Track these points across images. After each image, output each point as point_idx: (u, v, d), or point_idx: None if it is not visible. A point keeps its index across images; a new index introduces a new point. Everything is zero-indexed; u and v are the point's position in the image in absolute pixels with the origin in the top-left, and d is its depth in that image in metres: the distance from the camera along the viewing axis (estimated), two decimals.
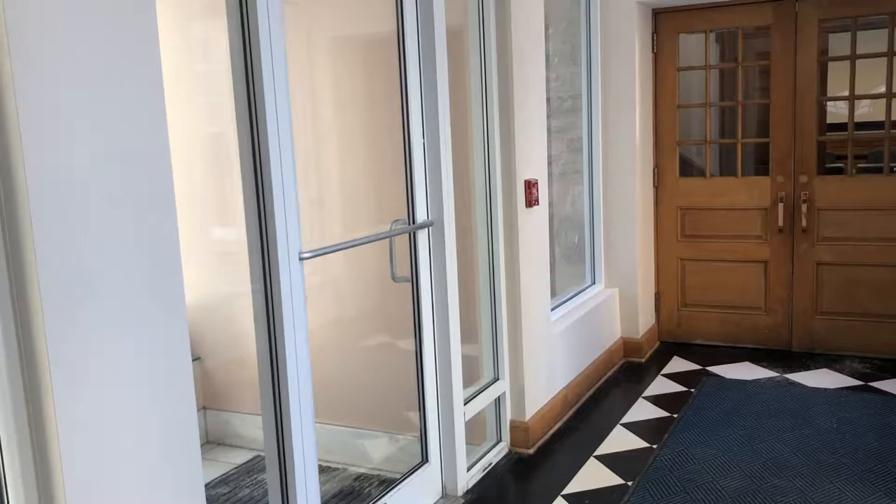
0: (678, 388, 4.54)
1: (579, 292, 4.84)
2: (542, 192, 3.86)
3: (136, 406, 1.75)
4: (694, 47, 5.56)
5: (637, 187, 4.98)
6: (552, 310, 4.25)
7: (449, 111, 3.15)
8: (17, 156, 1.50)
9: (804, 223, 4.92)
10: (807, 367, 4.78)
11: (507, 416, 3.76)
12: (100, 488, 1.67)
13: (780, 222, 4.98)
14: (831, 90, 5.83)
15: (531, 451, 3.76)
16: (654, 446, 3.75)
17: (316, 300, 3.63)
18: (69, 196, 1.59)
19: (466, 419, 3.35)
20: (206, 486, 3.46)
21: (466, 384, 3.44)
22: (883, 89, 4.82)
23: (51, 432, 1.58)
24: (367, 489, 3.40)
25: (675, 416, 4.11)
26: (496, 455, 3.67)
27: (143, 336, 1.76)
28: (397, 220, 3.09)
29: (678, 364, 4.97)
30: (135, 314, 1.73)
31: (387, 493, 2.99)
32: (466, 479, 3.37)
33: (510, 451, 3.76)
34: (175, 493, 1.85)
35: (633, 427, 4.00)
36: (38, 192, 1.53)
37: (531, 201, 3.72)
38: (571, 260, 4.88)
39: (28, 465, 1.60)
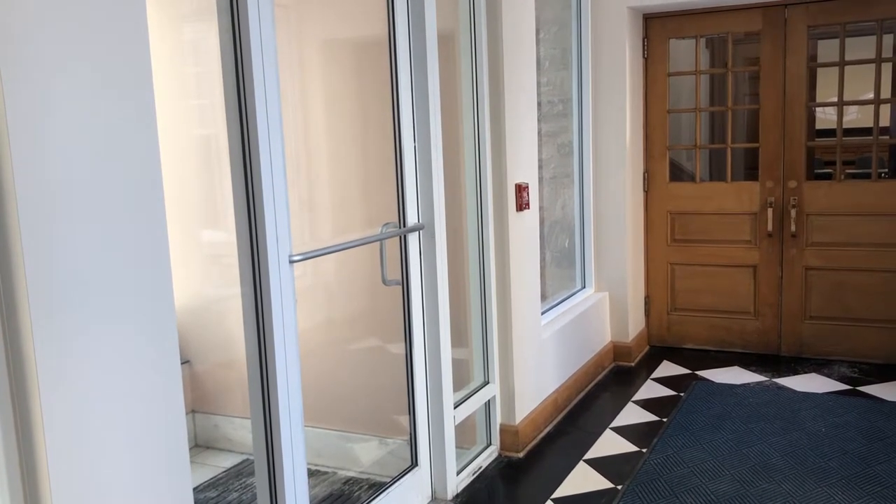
0: (667, 392, 4.55)
1: (569, 296, 4.85)
2: (533, 196, 3.87)
3: (124, 409, 1.73)
4: (684, 52, 5.59)
5: (627, 192, 4.99)
6: (542, 313, 4.26)
7: (440, 114, 3.15)
8: (6, 155, 1.49)
9: (793, 228, 4.95)
10: (795, 372, 4.80)
11: (497, 419, 3.76)
12: (87, 492, 1.66)
13: (769, 227, 5.00)
14: (820, 96, 5.87)
15: (521, 454, 3.77)
16: (644, 450, 3.75)
17: (306, 303, 3.62)
18: (57, 197, 1.58)
19: (456, 423, 3.34)
20: (195, 489, 3.45)
21: (456, 388, 3.44)
22: (871, 95, 4.86)
23: (37, 435, 1.57)
24: (356, 493, 3.39)
25: (665, 420, 4.12)
26: (486, 459, 3.67)
27: (132, 338, 1.75)
28: (388, 223, 3.09)
29: (667, 368, 4.98)
30: (123, 317, 1.72)
31: (376, 496, 2.98)
32: (456, 483, 3.36)
33: (500, 455, 3.76)
34: (163, 496, 1.84)
35: (623, 431, 4.01)
36: (25, 192, 1.52)
37: (522, 205, 3.73)
38: (562, 264, 4.89)
39: (14, 467, 1.59)
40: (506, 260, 3.65)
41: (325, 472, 3.58)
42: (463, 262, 3.59)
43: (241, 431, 3.86)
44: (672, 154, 5.40)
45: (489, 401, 3.69)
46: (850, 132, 6.47)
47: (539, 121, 4.24)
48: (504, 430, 3.77)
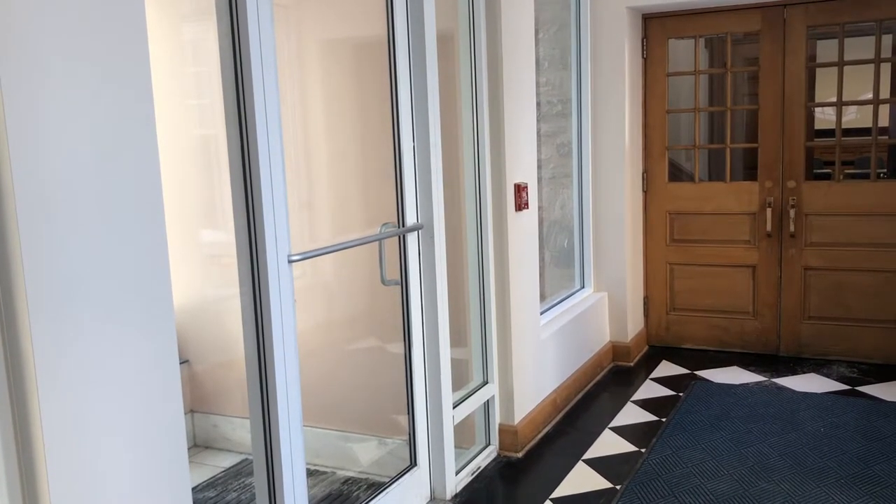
0: (666, 392, 4.55)
1: (568, 296, 4.85)
2: (532, 196, 3.87)
3: (123, 409, 1.73)
4: (683, 53, 5.59)
5: (626, 192, 4.99)
6: (541, 314, 4.26)
7: (439, 114, 3.15)
8: (4, 156, 1.49)
9: (792, 228, 4.95)
10: (794, 372, 4.81)
11: (496, 419, 3.76)
12: (85, 492, 1.66)
13: (768, 227, 5.01)
14: (819, 96, 5.87)
15: (520, 454, 3.77)
16: (643, 450, 3.75)
17: (305, 303, 3.62)
18: (56, 197, 1.58)
19: (455, 423, 3.34)
20: (194, 489, 3.45)
21: (455, 388, 3.44)
22: (870, 95, 4.86)
23: (36, 436, 1.57)
24: (355, 493, 3.39)
25: (664, 420, 4.12)
26: (485, 459, 3.67)
27: (131, 338, 1.75)
28: (387, 223, 3.09)
29: (666, 368, 4.98)
30: (122, 316, 1.72)
31: (375, 496, 2.98)
32: (455, 483, 3.37)
33: (499, 455, 3.76)
34: (162, 496, 1.84)
35: (622, 431, 4.01)
36: (24, 193, 1.52)
37: (521, 205, 3.73)
38: (561, 264, 4.89)
39: (13, 468, 1.59)
40: (505, 260, 3.65)
41: (324, 472, 3.58)
42: (462, 262, 3.59)
43: (240, 431, 3.86)
44: (671, 154, 5.40)
45: (488, 401, 3.69)
46: (849, 132, 6.47)
47: (538, 121, 4.24)
48: (503, 429, 3.77)
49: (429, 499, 3.29)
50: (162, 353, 1.83)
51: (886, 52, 4.95)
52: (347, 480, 3.51)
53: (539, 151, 4.31)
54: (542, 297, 4.38)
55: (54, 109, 1.57)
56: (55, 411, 1.59)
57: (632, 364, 5.10)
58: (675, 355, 5.23)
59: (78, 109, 1.62)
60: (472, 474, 3.54)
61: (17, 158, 1.50)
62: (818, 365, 4.91)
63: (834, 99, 4.91)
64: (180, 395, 1.88)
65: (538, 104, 4.21)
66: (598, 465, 3.62)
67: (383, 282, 3.02)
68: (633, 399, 4.46)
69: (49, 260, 1.57)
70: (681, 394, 4.49)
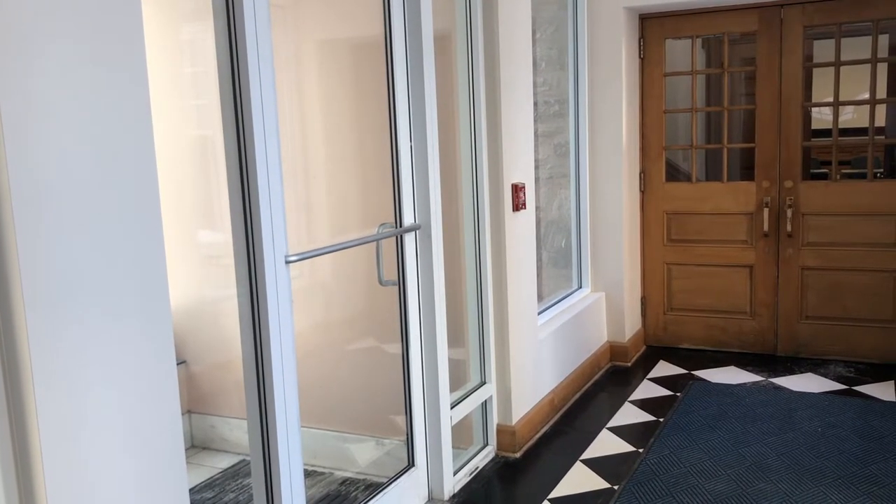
0: (664, 392, 4.56)
1: (566, 296, 4.85)
2: (529, 196, 3.87)
3: (120, 410, 1.73)
4: (680, 53, 5.59)
5: (624, 192, 4.99)
6: (539, 314, 4.26)
7: (436, 115, 3.15)
8: (1, 156, 1.49)
9: (789, 228, 4.96)
10: (791, 372, 4.81)
11: (494, 419, 3.76)
12: (82, 492, 1.65)
13: (766, 227, 5.01)
14: (816, 96, 5.88)
15: (518, 454, 3.77)
16: (641, 450, 3.75)
17: (303, 304, 3.62)
18: (53, 198, 1.57)
19: (453, 423, 3.34)
20: (191, 490, 3.45)
21: (453, 388, 3.44)
22: (866, 95, 4.87)
23: (32, 436, 1.57)
24: (353, 493, 3.39)
25: (661, 420, 4.12)
26: (483, 459, 3.67)
27: (128, 339, 1.74)
28: (384, 224, 3.09)
29: (664, 368, 4.98)
30: (119, 317, 1.72)
31: (373, 497, 2.98)
32: (453, 484, 3.36)
33: (497, 455, 3.76)
34: (160, 497, 1.84)
35: (620, 431, 4.01)
36: (20, 193, 1.51)
37: (518, 205, 3.73)
38: (558, 264, 4.89)
39: (9, 469, 1.59)
40: (502, 260, 3.65)
41: (322, 473, 3.58)
42: (459, 263, 3.59)
43: (238, 432, 3.85)
44: (668, 154, 5.41)
45: (486, 401, 3.69)
46: (845, 132, 6.48)
47: (535, 121, 4.25)
48: (501, 430, 3.77)
49: (427, 499, 3.29)
50: (159, 353, 1.82)
51: (883, 52, 4.96)
52: (345, 481, 3.50)
53: (536, 151, 4.30)
54: (540, 298, 4.38)
55: (51, 109, 1.57)
56: (52, 413, 1.58)
57: (629, 364, 5.10)
58: (672, 355, 5.23)
59: (75, 109, 1.62)
60: (470, 475, 3.54)
61: (13, 158, 1.50)
62: (815, 365, 4.92)
63: (831, 99, 4.92)
64: (177, 396, 1.88)
65: (535, 104, 4.21)
66: (595, 465, 3.62)
67: (380, 282, 3.02)
68: (630, 399, 4.46)
69: (46, 260, 1.56)
70: (678, 394, 4.50)
